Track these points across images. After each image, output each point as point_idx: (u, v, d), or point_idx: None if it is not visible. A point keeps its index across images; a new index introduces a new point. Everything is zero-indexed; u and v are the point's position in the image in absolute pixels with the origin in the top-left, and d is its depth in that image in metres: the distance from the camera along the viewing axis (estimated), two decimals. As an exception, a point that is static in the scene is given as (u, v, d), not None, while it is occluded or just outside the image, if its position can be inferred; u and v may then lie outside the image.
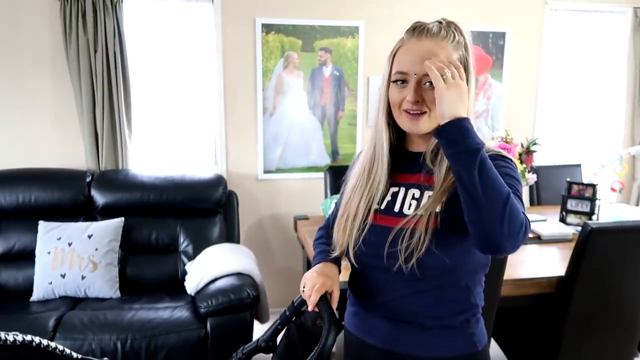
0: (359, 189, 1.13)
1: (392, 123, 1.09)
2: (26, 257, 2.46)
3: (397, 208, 1.08)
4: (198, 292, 2.26)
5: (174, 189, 2.67)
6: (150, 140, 2.98)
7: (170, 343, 2.06)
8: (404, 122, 1.06)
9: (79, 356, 1.33)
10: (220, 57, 2.90)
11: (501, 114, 3.36)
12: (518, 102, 3.37)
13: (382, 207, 1.09)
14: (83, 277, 2.36)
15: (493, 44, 3.26)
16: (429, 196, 1.03)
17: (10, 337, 1.24)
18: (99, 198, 2.60)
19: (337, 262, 1.20)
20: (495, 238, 0.87)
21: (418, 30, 1.03)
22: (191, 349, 2.08)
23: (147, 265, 2.56)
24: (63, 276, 2.35)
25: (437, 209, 1.00)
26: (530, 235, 2.27)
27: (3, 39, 2.67)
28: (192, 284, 2.31)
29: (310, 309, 1.07)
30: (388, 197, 1.10)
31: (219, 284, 2.23)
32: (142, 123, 2.94)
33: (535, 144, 2.17)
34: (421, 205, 1.04)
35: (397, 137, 1.12)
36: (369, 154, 1.14)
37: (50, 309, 2.25)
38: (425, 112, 1.03)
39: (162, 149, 3.00)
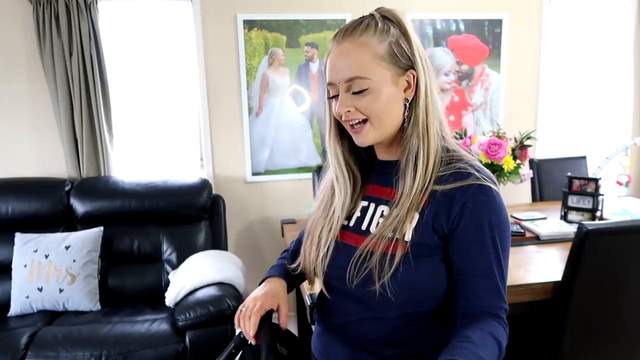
0: (323, 210, 1.03)
1: (346, 135, 0.99)
2: (3, 270, 2.38)
3: (364, 225, 0.96)
4: (177, 304, 2.16)
5: (157, 195, 2.57)
6: (132, 145, 2.88)
7: (147, 359, 1.96)
8: (352, 137, 0.95)
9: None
10: (201, 56, 2.79)
11: (500, 106, 3.20)
12: (518, 93, 3.21)
13: (351, 223, 0.98)
14: (61, 290, 2.28)
15: (489, 33, 3.10)
16: (391, 216, 0.91)
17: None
18: (79, 207, 2.52)
19: (288, 277, 1.08)
20: None
21: (339, 33, 0.91)
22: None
23: (129, 276, 2.46)
24: (40, 290, 2.27)
25: (407, 237, 0.88)
26: (528, 234, 2.12)
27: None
28: (171, 295, 2.21)
29: (250, 339, 0.96)
30: (357, 213, 0.99)
31: (199, 295, 2.12)
32: (123, 127, 2.84)
33: (529, 137, 2.02)
34: (380, 226, 0.92)
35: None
36: (332, 173, 1.03)
37: (27, 324, 2.17)
38: (365, 120, 0.91)
39: (145, 153, 2.90)
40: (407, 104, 0.91)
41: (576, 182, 2.27)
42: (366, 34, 0.88)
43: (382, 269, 0.87)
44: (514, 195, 2.95)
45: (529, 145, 2.02)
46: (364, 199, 1.00)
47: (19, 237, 2.36)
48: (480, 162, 1.95)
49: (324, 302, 1.05)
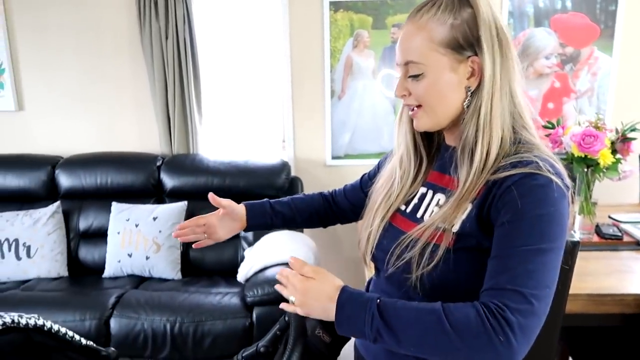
0: (384, 190, 1.00)
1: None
2: (101, 235, 2.62)
3: (419, 213, 0.92)
4: (247, 280, 2.23)
5: (238, 174, 2.66)
6: (219, 125, 3.01)
7: (217, 329, 2.06)
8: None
9: (87, 343, 1.35)
10: (287, 39, 2.81)
11: (610, 94, 2.86)
12: (633, 79, 2.85)
13: (408, 209, 0.95)
14: (147, 258, 2.46)
15: (602, 10, 2.77)
16: (444, 206, 0.86)
17: (24, 320, 1.29)
18: (168, 181, 2.69)
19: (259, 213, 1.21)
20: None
21: (410, 13, 0.88)
22: (237, 337, 2.06)
23: (208, 250, 2.58)
24: (130, 256, 2.47)
25: (455, 229, 0.82)
26: (627, 238, 1.89)
27: (87, 29, 2.84)
28: (243, 272, 2.29)
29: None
30: (415, 200, 0.95)
31: (268, 273, 2.18)
32: (212, 108, 2.97)
33: (634, 129, 1.78)
34: (433, 215, 0.88)
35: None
36: (400, 152, 1.00)
37: (117, 286, 2.38)
38: (420, 106, 0.88)
39: (231, 133, 3.02)
40: (469, 92, 0.84)
41: (693, 183, 1.97)
42: (428, 15, 0.83)
43: (422, 259, 0.83)
44: (618, 194, 2.64)
45: (633, 139, 1.78)
46: (424, 185, 0.96)
47: (115, 206, 2.58)
48: (572, 155, 1.77)
49: (371, 286, 1.05)
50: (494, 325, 0.71)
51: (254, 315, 2.08)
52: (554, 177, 0.77)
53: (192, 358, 2.09)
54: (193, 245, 1.20)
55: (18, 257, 2.52)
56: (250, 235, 2.60)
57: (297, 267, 0.87)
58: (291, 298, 0.86)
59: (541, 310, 0.74)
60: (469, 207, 0.82)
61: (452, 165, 0.88)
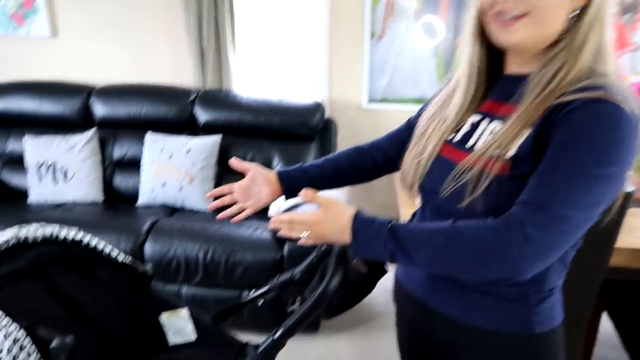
0: (437, 116, 0.95)
1: (485, 39, 0.87)
2: (136, 165, 2.65)
3: (471, 142, 0.87)
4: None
5: (271, 112, 2.63)
6: (253, 62, 2.95)
7: (248, 260, 2.09)
8: (493, 31, 0.82)
9: (125, 259, 1.37)
10: (329, -28, 2.69)
11: (670, 46, 2.68)
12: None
13: (456, 138, 0.90)
14: (180, 189, 2.49)
15: (672, -46, 2.54)
16: (500, 132, 0.80)
17: (63, 233, 1.31)
18: (201, 115, 2.67)
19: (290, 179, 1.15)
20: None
21: None
22: (267, 269, 2.09)
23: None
24: (163, 185, 2.50)
25: (510, 154, 0.77)
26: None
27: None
28: (274, 207, 2.29)
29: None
30: (466, 128, 0.89)
31: (300, 210, 2.18)
32: (246, 44, 2.90)
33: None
34: (487, 142, 0.82)
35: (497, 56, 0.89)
36: (456, 76, 0.95)
37: (151, 214, 2.42)
38: (523, 16, 0.78)
39: (265, 71, 2.96)
40: (573, 14, 0.77)
41: None
42: None
43: (475, 188, 0.78)
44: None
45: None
46: (477, 113, 0.90)
47: (149, 136, 2.59)
48: None
49: (416, 218, 1.02)
50: (509, 239, 0.70)
51: (285, 250, 2.10)
52: (622, 104, 0.70)
53: (224, 285, 2.14)
54: (231, 220, 1.17)
55: (55, 181, 2.58)
56: (282, 173, 2.59)
57: (309, 197, 0.85)
58: (303, 234, 0.85)
59: (569, 232, 0.71)
60: (527, 132, 0.77)
61: (514, 93, 0.82)
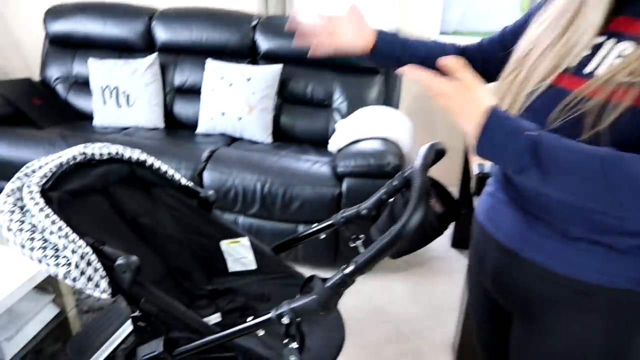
0: (545, 38, 0.79)
1: None
2: (196, 92, 2.62)
3: (590, 67, 0.72)
4: (340, 151, 2.17)
5: (336, 41, 2.49)
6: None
7: (305, 194, 2.05)
8: None
9: (187, 183, 1.35)
10: None
11: None
12: None
13: (573, 64, 0.75)
14: (239, 118, 2.44)
15: None
16: (633, 55, 0.66)
17: (128, 153, 1.29)
18: (263, 43, 2.57)
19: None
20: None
21: None
22: (324, 204, 2.05)
23: (299, 117, 2.53)
24: (223, 114, 2.47)
25: None
26: None
27: None
28: (335, 141, 2.22)
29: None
30: (586, 51, 0.74)
31: (362, 146, 2.09)
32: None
33: None
34: (613, 66, 0.68)
35: None
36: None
37: (209, 142, 2.41)
38: None
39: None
40: None
41: None
42: None
43: (599, 118, 0.66)
44: None
45: None
46: (603, 34, 0.74)
47: (209, 63, 2.53)
48: None
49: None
50: None
51: (344, 186, 2.04)
52: None
53: (280, 218, 2.12)
54: (309, 53, 1.00)
55: (118, 105, 2.60)
56: (343, 106, 2.49)
57: (455, 67, 0.70)
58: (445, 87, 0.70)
59: None
60: None
61: None
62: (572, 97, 0.70)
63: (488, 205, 0.90)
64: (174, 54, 2.70)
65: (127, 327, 1.33)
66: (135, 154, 1.29)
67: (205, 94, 2.51)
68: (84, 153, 1.17)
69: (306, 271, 1.32)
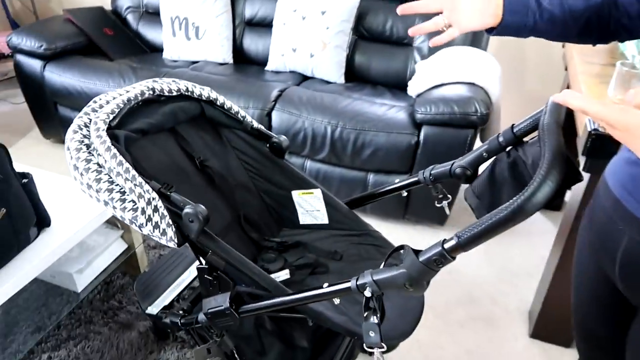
0: None
1: None
2: (266, 25, 2.48)
3: None
4: (419, 95, 1.98)
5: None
6: None
7: (379, 141, 1.91)
8: None
9: (259, 126, 1.25)
10: None
11: None
12: None
13: None
14: (312, 55, 2.29)
15: None
16: None
17: (198, 90, 1.20)
18: (340, -28, 2.35)
19: None
20: None
21: None
22: (399, 153, 1.90)
23: (376, 56, 2.34)
24: (294, 50, 2.32)
25: None
26: None
27: None
28: (416, 85, 2.02)
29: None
30: None
31: (445, 90, 1.89)
32: None
33: None
34: None
35: None
36: None
37: (279, 80, 2.29)
38: None
39: None
40: None
41: None
42: None
43: None
44: None
45: None
46: None
47: (282, -6, 2.37)
48: None
49: None
50: None
51: (422, 134, 1.87)
52: None
53: (350, 166, 2.01)
54: (430, 43, 0.83)
55: (187, 37, 2.51)
56: (425, 46, 2.26)
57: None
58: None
59: None
60: None
61: None
62: None
63: (627, 174, 0.73)
64: (245, -16, 2.55)
65: (193, 271, 1.30)
66: (206, 92, 1.19)
67: (277, 28, 2.36)
68: (152, 88, 1.09)
69: (373, 223, 1.21)
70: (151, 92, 1.09)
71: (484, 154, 0.93)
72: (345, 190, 2.06)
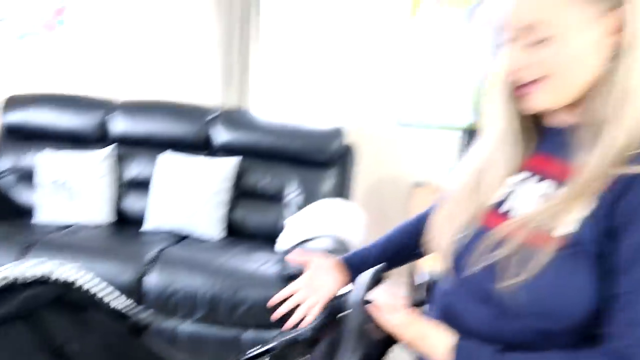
0: (471, 183, 0.83)
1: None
2: (147, 186, 2.57)
3: (511, 205, 0.75)
4: (287, 252, 2.13)
5: (290, 136, 2.54)
6: (278, 82, 2.87)
7: (252, 298, 1.97)
8: (519, 100, 0.74)
9: (116, 306, 1.27)
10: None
11: None
12: None
13: (495, 200, 0.78)
14: (191, 214, 2.39)
15: None
16: (555, 199, 0.69)
17: (57, 274, 1.21)
18: (220, 136, 2.58)
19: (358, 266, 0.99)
20: None
21: None
22: (273, 308, 1.97)
23: (252, 211, 2.51)
24: (173, 210, 2.41)
25: (566, 230, 0.65)
26: None
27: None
28: (284, 241, 2.19)
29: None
30: (506, 189, 0.77)
31: (311, 246, 2.06)
32: (272, 65, 2.83)
33: None
34: (534, 210, 0.71)
35: None
36: (493, 138, 0.82)
37: (157, 240, 2.32)
38: (542, 79, 0.68)
39: (289, 92, 2.89)
40: (608, 55, 0.66)
41: None
42: None
43: (514, 266, 0.67)
44: None
45: None
46: (522, 171, 0.78)
47: (162, 157, 2.52)
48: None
49: (439, 288, 0.88)
50: None
51: (293, 288, 1.98)
52: None
53: (226, 323, 2.03)
54: (302, 324, 1.04)
55: (65, 199, 2.51)
56: (297, 200, 2.47)
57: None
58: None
59: None
60: (590, 204, 0.65)
61: (565, 148, 0.71)
62: (492, 235, 0.71)
63: None
64: (128, 147, 2.67)
65: None
66: (67, 274, 1.21)
67: (157, 188, 2.47)
68: (7, 278, 1.09)
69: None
70: (4, 282, 1.10)
71: (324, 320, 1.04)
72: (222, 350, 2.05)
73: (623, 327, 0.62)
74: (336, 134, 2.55)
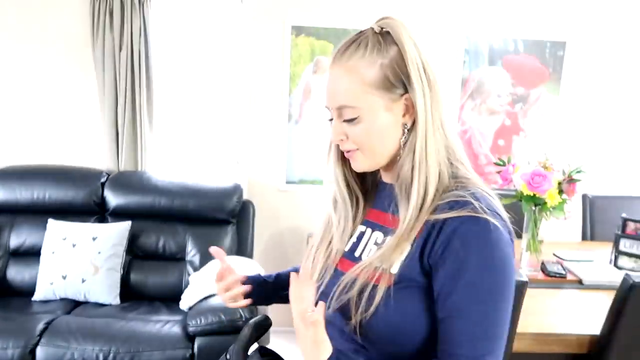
0: (323, 235, 0.98)
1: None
2: (34, 254, 2.44)
3: (358, 252, 0.91)
4: (191, 308, 2.13)
5: (187, 195, 2.56)
6: (171, 143, 2.91)
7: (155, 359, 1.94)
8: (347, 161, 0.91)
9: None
10: (246, 58, 2.77)
11: (556, 134, 2.98)
12: (577, 122, 2.98)
13: (346, 248, 0.94)
14: (83, 281, 2.30)
15: (550, 55, 2.90)
16: (383, 245, 0.84)
17: None
18: (112, 199, 2.55)
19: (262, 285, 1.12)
20: None
21: (333, 54, 0.86)
22: (176, 370, 1.95)
23: (151, 273, 2.46)
24: (64, 278, 2.31)
25: (394, 269, 0.80)
26: (570, 277, 1.93)
27: (34, 32, 2.70)
28: (186, 299, 2.18)
29: None
30: (354, 239, 0.94)
31: (213, 301, 2.08)
32: (164, 125, 2.87)
33: (579, 171, 1.84)
34: (371, 254, 0.87)
35: None
36: (332, 194, 0.98)
37: (47, 310, 2.21)
38: (357, 149, 0.86)
39: (183, 152, 2.93)
40: (406, 129, 0.84)
41: (631, 225, 2.05)
42: (355, 56, 0.81)
43: (361, 301, 0.80)
44: (562, 231, 2.73)
45: (578, 180, 1.84)
46: (362, 224, 0.95)
47: (51, 223, 2.42)
48: (521, 194, 1.80)
49: None
50: None
51: (196, 346, 1.97)
52: (491, 218, 0.75)
53: (126, 391, 1.95)
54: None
55: (-64, 275, 2.30)
56: (196, 259, 2.49)
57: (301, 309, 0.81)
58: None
59: None
60: (409, 247, 0.80)
61: (391, 203, 0.87)
62: (344, 278, 0.85)
63: None
64: (11, 214, 2.53)
65: None
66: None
67: (45, 257, 2.35)
68: None
69: None
70: None
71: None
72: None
73: (443, 346, 0.76)
74: (234, 190, 2.62)
